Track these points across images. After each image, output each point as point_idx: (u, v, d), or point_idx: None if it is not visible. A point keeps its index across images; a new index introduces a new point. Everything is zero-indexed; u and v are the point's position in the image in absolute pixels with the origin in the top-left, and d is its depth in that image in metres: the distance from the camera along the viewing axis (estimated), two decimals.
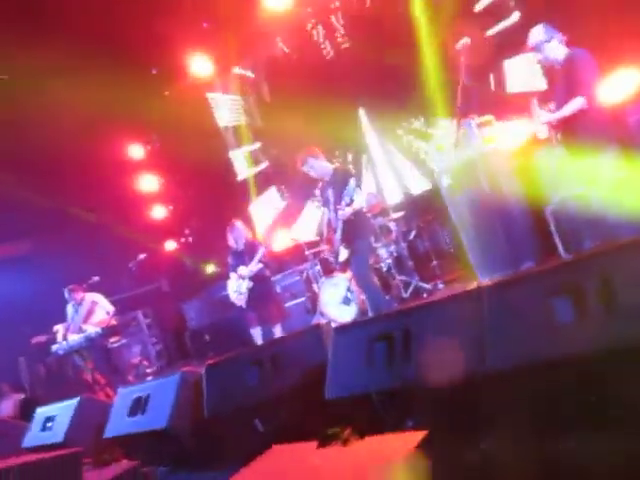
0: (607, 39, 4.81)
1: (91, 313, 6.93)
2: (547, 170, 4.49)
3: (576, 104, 3.76)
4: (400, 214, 6.76)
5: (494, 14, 6.45)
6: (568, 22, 4.36)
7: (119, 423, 3.53)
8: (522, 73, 6.44)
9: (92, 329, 6.62)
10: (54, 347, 6.69)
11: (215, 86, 9.55)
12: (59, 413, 4.16)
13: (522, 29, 5.25)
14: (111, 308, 7.03)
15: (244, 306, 6.13)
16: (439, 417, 2.14)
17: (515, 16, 6.33)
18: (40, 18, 6.81)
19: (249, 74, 9.22)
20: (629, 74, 4.74)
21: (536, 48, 4.02)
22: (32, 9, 6.55)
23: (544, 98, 4.23)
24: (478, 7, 6.59)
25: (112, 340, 6.80)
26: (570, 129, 3.83)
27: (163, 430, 3.21)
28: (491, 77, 6.69)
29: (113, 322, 6.95)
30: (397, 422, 2.27)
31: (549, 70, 4.42)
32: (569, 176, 4.02)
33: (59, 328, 6.77)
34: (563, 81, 3.90)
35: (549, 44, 3.96)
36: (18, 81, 7.03)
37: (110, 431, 3.55)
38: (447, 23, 6.18)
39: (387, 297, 5.75)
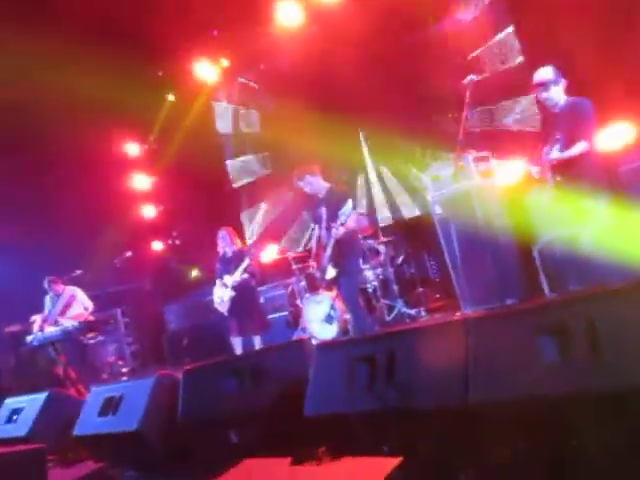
0: (603, 91, 4.93)
1: (68, 307, 6.84)
2: (538, 209, 4.55)
3: (581, 147, 3.87)
4: (390, 238, 6.81)
5: (500, 55, 6.62)
6: (568, 71, 4.48)
7: (89, 422, 3.47)
8: (522, 113, 6.58)
9: (69, 322, 6.52)
10: (29, 338, 6.57)
11: (219, 93, 9.59)
12: (26, 406, 4.07)
13: (525, 72, 5.40)
14: (89, 304, 6.95)
15: (226, 314, 6.12)
16: (416, 445, 2.13)
17: (519, 59, 6.52)
18: (48, 7, 6.82)
19: (253, 84, 9.27)
20: (623, 127, 4.87)
21: (542, 86, 4.09)
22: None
23: (539, 138, 4.32)
24: (485, 47, 6.75)
25: (89, 336, 6.70)
26: (571, 171, 3.91)
27: (133, 433, 3.15)
28: (493, 115, 6.82)
29: (90, 318, 6.87)
30: (373, 446, 2.26)
31: (544, 110, 4.47)
32: (560, 217, 4.08)
33: (36, 318, 6.65)
34: (566, 126, 3.97)
35: (556, 86, 4.07)
36: (23, 65, 7.00)
37: (79, 429, 3.48)
38: (455, 59, 6.29)
39: (369, 319, 5.77)
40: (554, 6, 5.60)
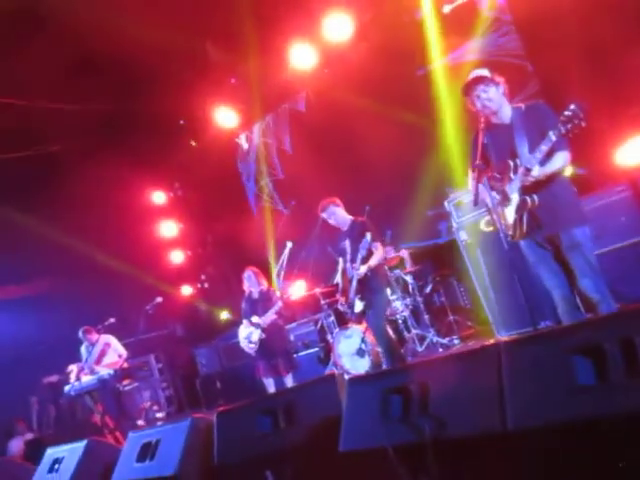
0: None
1: (103, 355, 6.96)
2: None
3: (564, 158, 3.25)
4: (417, 267, 6.78)
5: (514, 82, 6.65)
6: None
7: (127, 469, 3.47)
8: None
9: (105, 371, 6.62)
10: (67, 388, 6.69)
11: (239, 137, 9.83)
12: (67, 455, 4.10)
13: (540, 97, 5.41)
14: (123, 352, 7.05)
15: (253, 354, 6.12)
16: (456, 476, 2.09)
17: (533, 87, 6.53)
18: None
19: (271, 126, 9.48)
20: None
21: (482, 82, 3.34)
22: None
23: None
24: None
25: (124, 383, 6.78)
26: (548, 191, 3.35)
27: (172, 477, 3.15)
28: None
29: (124, 365, 6.95)
30: (412, 479, 2.22)
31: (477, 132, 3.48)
32: None
33: (73, 368, 6.79)
34: (529, 137, 3.28)
35: (497, 89, 3.37)
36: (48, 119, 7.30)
37: (117, 476, 3.49)
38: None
39: (401, 350, 5.70)
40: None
